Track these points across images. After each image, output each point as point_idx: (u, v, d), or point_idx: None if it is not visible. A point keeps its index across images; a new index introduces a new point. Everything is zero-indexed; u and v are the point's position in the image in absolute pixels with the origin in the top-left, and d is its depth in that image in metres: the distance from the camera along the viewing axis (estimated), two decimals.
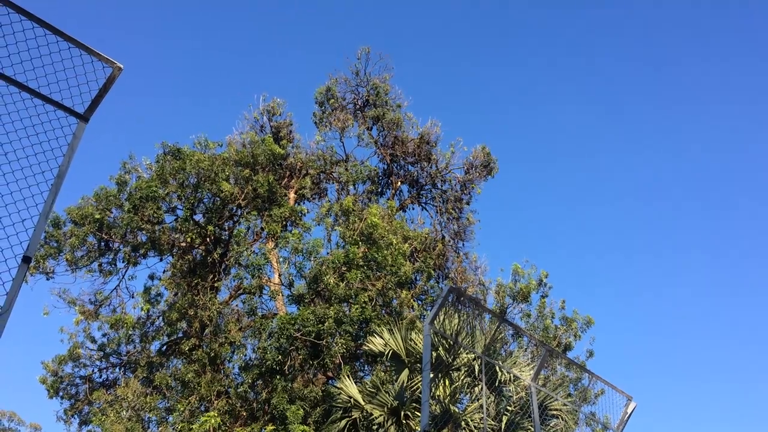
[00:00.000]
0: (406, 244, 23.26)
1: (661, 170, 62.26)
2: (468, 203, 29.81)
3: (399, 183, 29.32)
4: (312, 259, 22.64)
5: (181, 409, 21.43)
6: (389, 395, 16.84)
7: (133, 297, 24.72)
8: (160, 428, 21.76)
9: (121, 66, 6.69)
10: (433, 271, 25.11)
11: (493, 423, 15.57)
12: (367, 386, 17.64)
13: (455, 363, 16.39)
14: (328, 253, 22.77)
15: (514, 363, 17.09)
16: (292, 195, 27.08)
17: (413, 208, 29.86)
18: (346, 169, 28.37)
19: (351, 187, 28.19)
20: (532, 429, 14.74)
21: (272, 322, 22.01)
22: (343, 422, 17.27)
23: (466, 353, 16.30)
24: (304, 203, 27.92)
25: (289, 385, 20.93)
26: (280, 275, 24.16)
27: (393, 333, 17.43)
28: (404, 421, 16.34)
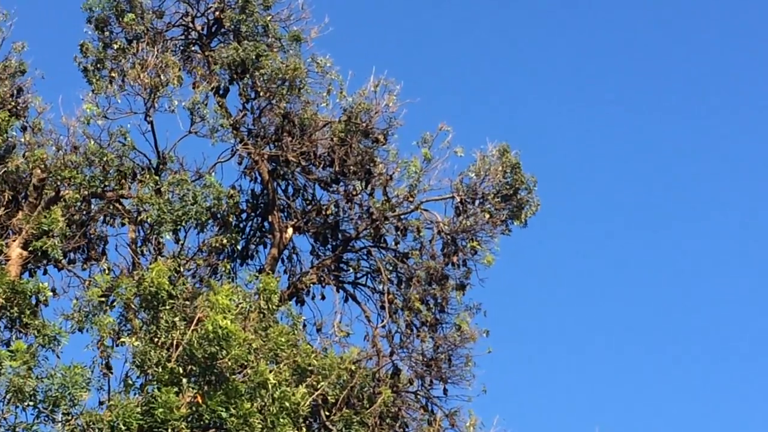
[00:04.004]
0: (301, 388, 17.23)
1: None
2: (462, 288, 21.91)
3: (289, 230, 22.92)
4: (61, 407, 15.92)
5: None
6: None
7: None
8: None
9: None
10: None
11: None
12: None
13: None
14: (102, 403, 16.74)
15: None
16: (15, 250, 19.38)
17: (323, 297, 22.95)
18: (158, 192, 20.37)
19: (166, 237, 20.15)
20: None
21: None
22: None
23: None
24: (43, 273, 20.49)
25: None
26: None
27: None
28: None
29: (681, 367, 47.46)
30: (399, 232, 22.16)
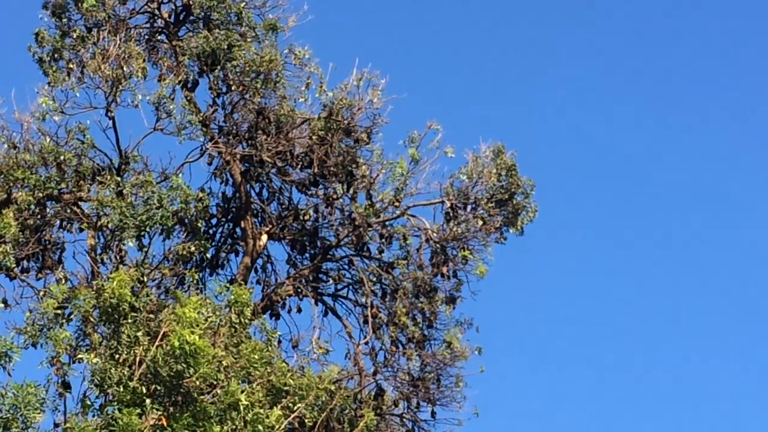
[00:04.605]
0: (276, 410, 17.59)
1: None
2: (453, 301, 21.90)
3: (263, 236, 22.95)
4: (12, 430, 16.15)
5: None
6: None
7: None
8: None
9: None
10: None
11: None
12: None
13: None
14: (57, 425, 17.42)
15: None
16: None
17: (300, 310, 22.66)
18: (120, 194, 20.24)
19: (129, 244, 19.86)
20: None
21: None
22: None
23: None
24: None
25: None
26: None
27: None
28: None
29: (686, 380, 46.35)
30: (383, 240, 21.86)
